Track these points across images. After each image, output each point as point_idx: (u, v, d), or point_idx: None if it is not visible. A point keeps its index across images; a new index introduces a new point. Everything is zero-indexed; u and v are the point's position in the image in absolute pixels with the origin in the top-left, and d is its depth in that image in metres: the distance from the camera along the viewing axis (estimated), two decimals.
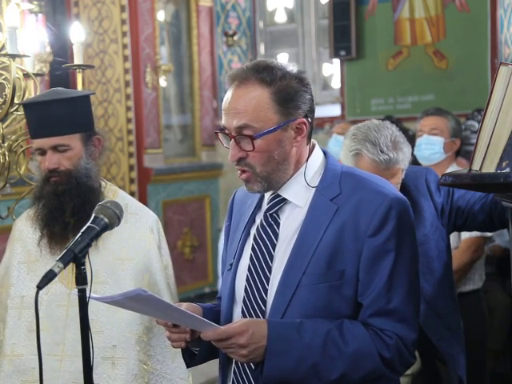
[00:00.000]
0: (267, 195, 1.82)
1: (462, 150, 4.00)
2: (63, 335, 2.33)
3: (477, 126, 5.20)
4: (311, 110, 1.75)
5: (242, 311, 1.77)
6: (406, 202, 1.75)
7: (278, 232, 1.77)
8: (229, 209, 2.00)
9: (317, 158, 1.80)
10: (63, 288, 2.38)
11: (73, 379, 2.30)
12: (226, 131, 1.73)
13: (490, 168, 1.66)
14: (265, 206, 1.82)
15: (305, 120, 1.73)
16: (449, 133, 3.80)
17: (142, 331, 2.38)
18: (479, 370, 3.35)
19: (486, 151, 1.67)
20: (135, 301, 1.63)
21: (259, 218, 1.83)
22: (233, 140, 1.71)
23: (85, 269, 1.72)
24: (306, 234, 1.72)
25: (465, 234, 3.55)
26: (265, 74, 1.69)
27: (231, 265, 1.85)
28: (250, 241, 1.82)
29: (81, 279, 1.72)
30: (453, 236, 2.88)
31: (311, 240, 1.71)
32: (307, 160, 1.78)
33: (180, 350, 2.42)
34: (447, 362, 2.77)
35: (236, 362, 1.77)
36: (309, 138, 1.77)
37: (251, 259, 1.79)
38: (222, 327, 1.64)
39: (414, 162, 2.82)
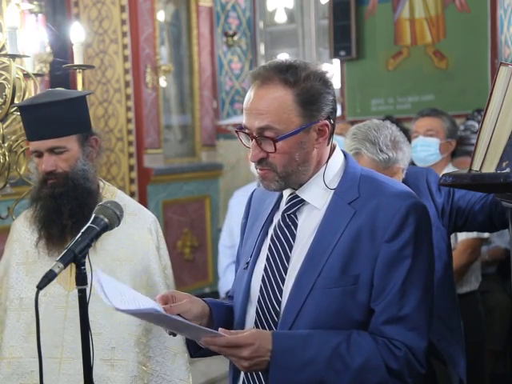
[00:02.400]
0: (286, 195, 1.80)
1: (463, 149, 3.99)
2: (62, 337, 2.33)
3: (477, 126, 5.20)
4: (333, 112, 1.73)
5: (257, 311, 1.76)
6: (424, 208, 1.73)
7: (296, 233, 1.76)
8: (246, 206, 1.99)
9: (337, 159, 1.78)
10: (61, 289, 2.37)
11: (72, 382, 2.28)
12: (247, 131, 1.71)
13: (489, 168, 1.66)
14: (283, 206, 1.80)
15: (327, 122, 1.71)
16: (444, 134, 3.78)
17: (141, 332, 2.37)
18: (478, 370, 3.35)
19: (486, 151, 1.67)
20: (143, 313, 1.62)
21: (277, 218, 1.81)
22: (254, 140, 1.69)
23: (85, 269, 1.71)
24: (322, 236, 1.71)
25: (461, 236, 3.55)
26: (288, 74, 1.66)
27: (247, 263, 1.84)
28: (268, 241, 1.80)
29: (81, 279, 1.71)
30: None
31: (327, 243, 1.69)
32: (327, 161, 1.76)
33: (180, 351, 2.43)
34: (447, 363, 2.77)
35: None
36: (330, 139, 1.75)
37: (267, 259, 1.77)
38: (228, 336, 1.61)
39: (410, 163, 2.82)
